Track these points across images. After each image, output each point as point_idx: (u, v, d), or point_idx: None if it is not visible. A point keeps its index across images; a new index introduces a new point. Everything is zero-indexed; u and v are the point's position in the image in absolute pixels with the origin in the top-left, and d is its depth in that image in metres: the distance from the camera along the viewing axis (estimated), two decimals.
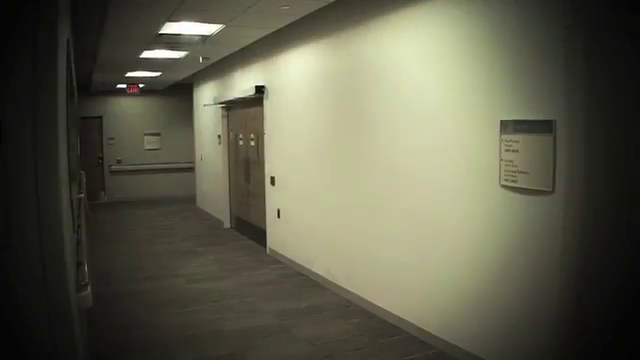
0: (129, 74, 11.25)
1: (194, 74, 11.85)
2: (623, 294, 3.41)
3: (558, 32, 3.36)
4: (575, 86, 3.31)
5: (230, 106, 9.99)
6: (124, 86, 13.19)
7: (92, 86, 13.11)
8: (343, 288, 5.98)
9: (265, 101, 7.96)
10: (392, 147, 5.07)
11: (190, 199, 13.73)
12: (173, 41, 7.42)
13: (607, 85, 3.36)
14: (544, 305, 3.54)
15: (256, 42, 7.85)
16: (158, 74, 11.29)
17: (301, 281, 6.66)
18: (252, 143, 8.84)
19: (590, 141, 3.33)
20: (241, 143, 9.52)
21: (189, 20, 6.30)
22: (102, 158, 14.64)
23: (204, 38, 7.23)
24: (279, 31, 7.03)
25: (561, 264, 3.41)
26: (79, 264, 2.63)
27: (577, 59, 3.29)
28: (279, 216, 7.73)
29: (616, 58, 3.43)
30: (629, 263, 3.42)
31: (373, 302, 5.43)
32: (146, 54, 8.62)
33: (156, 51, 8.36)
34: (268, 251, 8.14)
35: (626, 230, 3.54)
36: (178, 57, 8.96)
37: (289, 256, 7.41)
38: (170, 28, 6.64)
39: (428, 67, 4.54)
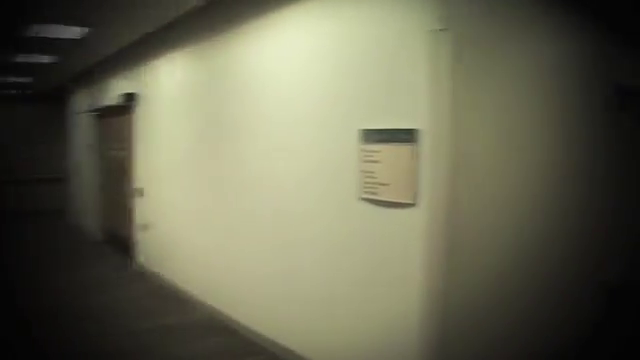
0: None
1: (68, 81, 11.17)
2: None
3: (424, 38, 3.27)
4: (440, 94, 3.22)
5: (101, 114, 9.44)
6: None
7: None
8: (208, 304, 5.68)
9: (136, 109, 7.55)
10: (254, 157, 4.87)
11: (61, 212, 12.90)
12: (38, 44, 6.91)
13: (474, 92, 3.31)
14: (407, 319, 3.42)
15: (128, 48, 7.44)
16: (29, 80, 10.55)
17: (168, 297, 6.28)
18: (122, 153, 8.36)
19: (456, 150, 3.25)
20: (112, 153, 9.00)
21: (54, 22, 5.87)
22: None
23: (72, 41, 6.77)
24: (150, 36, 6.69)
25: (423, 277, 3.30)
26: None
27: (442, 66, 3.21)
28: (147, 229, 7.32)
29: (484, 65, 3.40)
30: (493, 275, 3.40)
31: (236, 318, 5.17)
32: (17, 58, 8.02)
33: (22, 55, 7.77)
34: (135, 266, 7.69)
35: (491, 244, 3.52)
36: (48, 62, 8.37)
37: (157, 271, 7.01)
38: (33, 30, 6.16)
39: (293, 77, 4.37)
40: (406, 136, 3.34)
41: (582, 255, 4.70)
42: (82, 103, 10.47)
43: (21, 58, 8.07)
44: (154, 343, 4.85)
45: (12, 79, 10.44)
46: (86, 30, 6.26)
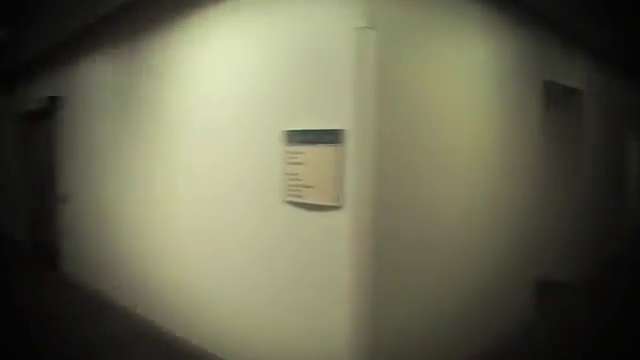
0: None
1: None
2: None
3: (350, 37, 3.18)
4: (365, 94, 3.14)
5: (25, 119, 9.03)
6: None
7: None
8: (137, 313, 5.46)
9: (60, 113, 7.24)
10: (173, 167, 4.75)
11: None
12: None
13: (399, 92, 3.25)
14: (336, 319, 3.34)
15: (51, 49, 7.14)
16: None
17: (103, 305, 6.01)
18: (46, 157, 7.98)
19: (382, 151, 3.19)
20: (37, 158, 8.61)
21: None
22: None
23: None
24: (73, 37, 6.43)
25: (351, 278, 3.22)
26: None
27: (367, 65, 3.13)
28: (72, 233, 7.02)
29: (410, 64, 3.35)
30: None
31: (165, 325, 4.99)
32: None
33: None
34: (61, 273, 7.37)
35: (418, 243, 3.47)
36: None
37: (86, 279, 6.73)
38: None
39: (218, 79, 4.23)
40: (330, 137, 3.26)
41: (515, 252, 4.73)
42: (4, 108, 10.03)
43: None
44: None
45: None
46: (5, 31, 5.97)
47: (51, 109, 7.30)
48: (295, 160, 3.47)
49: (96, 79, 6.18)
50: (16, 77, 9.17)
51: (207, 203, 4.36)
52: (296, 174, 3.47)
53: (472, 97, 4.07)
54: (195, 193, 4.49)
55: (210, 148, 4.29)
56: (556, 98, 6.39)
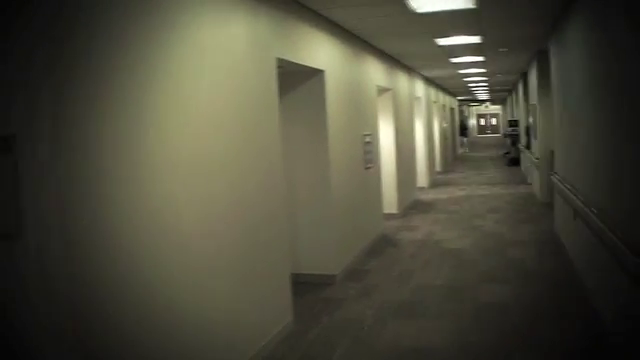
0: None
1: None
2: None
3: None
4: (39, 88, 2.43)
5: None
6: None
7: None
8: None
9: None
10: None
11: None
12: None
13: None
14: None
15: None
16: None
17: None
18: None
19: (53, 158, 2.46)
20: None
21: None
22: None
23: None
24: None
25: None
26: None
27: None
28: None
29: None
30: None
31: None
32: None
33: None
34: None
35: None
36: None
37: None
38: None
39: None
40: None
41: (270, 248, 4.72)
42: None
43: None
44: None
45: None
46: None
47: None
48: None
49: None
50: None
51: None
52: None
53: (204, 85, 3.75)
54: None
55: None
56: (295, 78, 6.20)
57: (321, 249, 6.40)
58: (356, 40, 7.72)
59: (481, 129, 49.84)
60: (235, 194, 4.10)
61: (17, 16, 2.39)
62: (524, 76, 14.75)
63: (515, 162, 19.42)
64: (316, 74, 6.17)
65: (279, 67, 5.06)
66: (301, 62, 5.56)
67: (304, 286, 6.11)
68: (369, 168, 8.17)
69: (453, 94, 25.03)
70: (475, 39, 8.43)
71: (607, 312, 4.50)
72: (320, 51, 6.14)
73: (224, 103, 4.00)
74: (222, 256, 3.90)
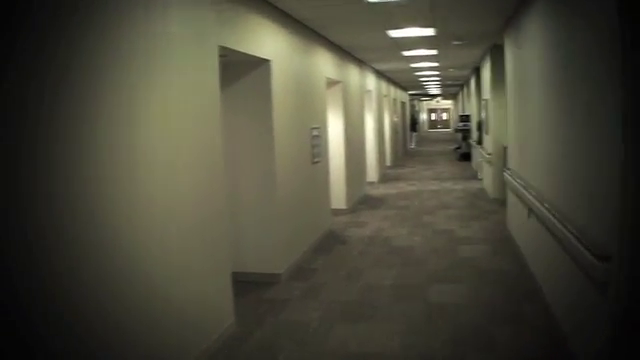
0: None
1: None
2: None
3: None
4: None
5: None
6: None
7: None
8: None
9: None
10: None
11: None
12: None
13: None
14: None
15: None
16: None
17: None
18: None
19: None
20: None
21: None
22: None
23: None
24: None
25: None
26: None
27: None
28: None
29: None
30: None
31: None
32: None
33: None
34: None
35: None
36: None
37: None
38: None
39: None
40: None
41: (210, 244, 4.55)
42: None
43: None
44: None
45: None
46: None
47: None
48: None
49: None
50: None
51: None
52: None
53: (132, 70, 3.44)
54: None
55: None
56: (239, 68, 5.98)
57: (265, 246, 6.20)
58: (306, 31, 7.54)
59: (432, 124, 50.71)
60: (169, 193, 3.83)
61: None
62: (477, 71, 14.83)
63: (466, 157, 19.61)
64: (262, 64, 5.94)
65: (222, 55, 4.82)
66: (246, 51, 5.32)
67: (247, 285, 5.91)
68: (317, 163, 8.00)
69: (404, 88, 25.20)
70: (429, 31, 8.33)
71: (562, 312, 4.41)
72: (267, 40, 5.90)
73: (159, 93, 3.70)
74: (160, 253, 3.69)
